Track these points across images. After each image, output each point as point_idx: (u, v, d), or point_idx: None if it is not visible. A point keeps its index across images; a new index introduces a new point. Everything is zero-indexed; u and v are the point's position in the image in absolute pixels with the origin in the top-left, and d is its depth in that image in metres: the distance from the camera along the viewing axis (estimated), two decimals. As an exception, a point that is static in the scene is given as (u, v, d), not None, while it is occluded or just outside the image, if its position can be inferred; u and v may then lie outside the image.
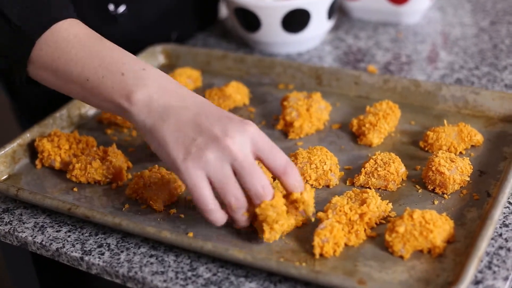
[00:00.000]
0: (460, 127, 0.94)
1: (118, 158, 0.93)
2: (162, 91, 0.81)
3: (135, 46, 1.25)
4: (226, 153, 0.76)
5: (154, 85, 0.81)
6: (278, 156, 0.79)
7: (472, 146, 0.94)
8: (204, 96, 1.08)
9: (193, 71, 1.15)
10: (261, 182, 0.77)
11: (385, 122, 0.96)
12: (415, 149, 0.95)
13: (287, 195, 0.80)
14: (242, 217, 0.79)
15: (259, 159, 0.79)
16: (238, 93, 1.08)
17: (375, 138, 0.96)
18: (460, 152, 0.93)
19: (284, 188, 0.80)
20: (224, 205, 0.79)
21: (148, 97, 0.80)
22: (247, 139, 0.77)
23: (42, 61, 0.86)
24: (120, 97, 0.82)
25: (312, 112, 0.99)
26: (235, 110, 1.08)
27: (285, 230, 0.81)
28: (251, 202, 0.79)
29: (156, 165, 0.91)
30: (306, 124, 0.99)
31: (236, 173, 0.77)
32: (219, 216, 0.78)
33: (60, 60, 0.85)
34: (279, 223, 0.78)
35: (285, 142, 0.99)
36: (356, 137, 0.98)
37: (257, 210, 0.78)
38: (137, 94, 0.81)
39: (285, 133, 1.01)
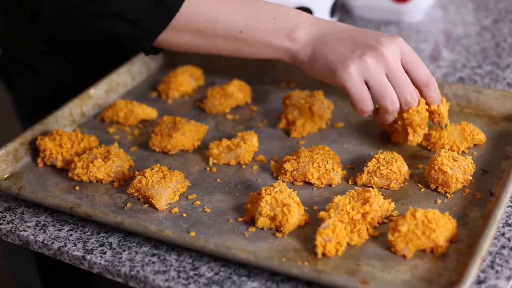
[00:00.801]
0: (462, 126, 0.94)
1: (120, 157, 0.92)
2: (314, 24, 0.91)
3: None
4: (382, 60, 0.85)
5: (306, 21, 0.91)
6: (422, 69, 0.88)
7: (474, 145, 0.94)
8: (206, 95, 1.08)
9: (195, 69, 1.15)
10: (409, 90, 0.86)
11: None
12: (418, 148, 0.95)
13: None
14: (391, 118, 0.89)
15: (405, 69, 0.87)
16: (240, 91, 1.08)
17: (416, 138, 0.94)
18: (463, 151, 0.92)
19: (424, 98, 0.89)
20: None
21: (306, 31, 0.90)
22: (398, 49, 0.86)
23: (186, 25, 0.92)
24: (281, 39, 0.91)
25: (314, 110, 0.99)
26: (237, 109, 1.08)
27: (288, 230, 0.81)
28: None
29: (158, 164, 0.91)
30: (308, 123, 0.99)
31: (389, 79, 0.86)
32: (368, 109, 0.88)
33: (208, 21, 0.92)
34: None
35: (287, 140, 0.99)
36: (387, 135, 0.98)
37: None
38: (297, 32, 0.90)
39: (287, 132, 1.01)
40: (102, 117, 1.06)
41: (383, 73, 0.86)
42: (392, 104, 0.86)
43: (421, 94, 0.89)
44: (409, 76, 0.88)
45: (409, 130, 0.91)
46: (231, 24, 0.92)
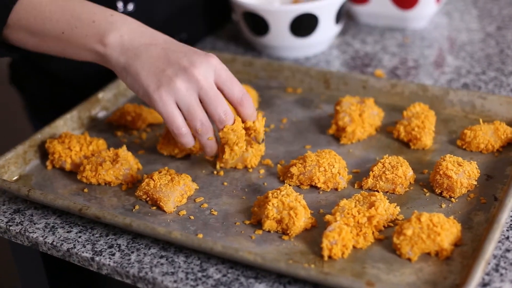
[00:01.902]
0: (496, 125, 0.95)
1: (128, 160, 0.94)
2: (132, 32, 0.90)
3: None
4: (193, 82, 0.86)
5: (124, 28, 0.90)
6: (236, 87, 0.89)
7: (508, 143, 0.95)
8: None
9: None
10: (223, 108, 0.87)
11: (429, 122, 0.97)
12: (423, 153, 0.96)
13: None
14: (208, 142, 0.90)
15: (219, 89, 0.88)
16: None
17: (428, 140, 0.96)
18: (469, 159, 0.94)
19: (240, 116, 0.90)
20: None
21: (120, 38, 0.89)
22: (211, 70, 0.87)
23: (19, 24, 0.93)
24: (94, 43, 0.90)
25: (364, 117, 0.99)
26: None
27: (295, 232, 0.82)
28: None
29: (166, 167, 0.92)
30: (358, 130, 0.99)
31: (201, 101, 0.87)
32: (189, 140, 0.90)
33: (37, 20, 0.92)
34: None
35: (337, 147, 0.99)
36: (404, 143, 0.99)
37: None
38: (109, 37, 0.89)
39: (337, 138, 1.01)
40: (111, 121, 1.07)
41: (195, 94, 0.86)
42: (202, 124, 0.87)
43: (236, 112, 0.90)
44: (224, 95, 0.88)
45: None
46: (55, 25, 0.92)
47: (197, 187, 0.92)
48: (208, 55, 0.88)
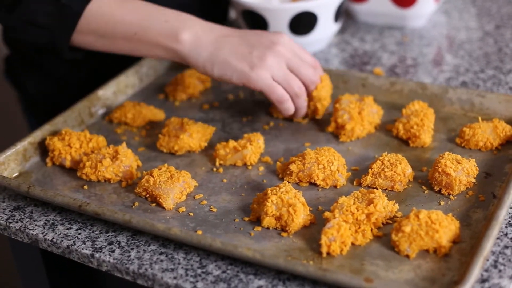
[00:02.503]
0: (494, 123, 0.95)
1: (128, 157, 0.94)
2: (204, 28, 0.99)
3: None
4: (280, 55, 0.97)
5: (196, 25, 0.99)
6: (307, 55, 1.02)
7: (507, 141, 0.96)
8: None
9: None
10: (310, 70, 1.00)
11: (428, 120, 0.97)
12: (422, 151, 0.96)
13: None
14: (304, 103, 1.01)
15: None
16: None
17: (427, 138, 0.96)
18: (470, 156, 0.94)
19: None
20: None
21: (195, 35, 0.98)
22: (288, 43, 0.99)
23: (89, 28, 1.00)
24: (168, 41, 0.98)
25: (364, 115, 1.00)
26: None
27: (294, 229, 0.82)
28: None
29: (166, 164, 0.92)
30: (357, 127, 0.99)
31: (290, 70, 0.99)
32: (290, 105, 0.99)
33: (108, 24, 1.00)
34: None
35: (336, 144, 1.00)
36: (403, 140, 0.99)
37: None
38: (184, 35, 0.98)
39: (336, 136, 1.01)
40: (110, 118, 1.07)
41: (284, 66, 0.98)
42: (299, 87, 0.99)
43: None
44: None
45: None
46: (127, 26, 0.99)
47: (197, 184, 0.92)
48: (277, 32, 1.00)
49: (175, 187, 0.88)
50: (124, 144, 0.95)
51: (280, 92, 0.97)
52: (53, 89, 1.30)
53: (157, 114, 1.08)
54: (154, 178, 0.89)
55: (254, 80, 0.96)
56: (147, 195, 0.90)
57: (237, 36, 0.99)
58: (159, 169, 0.91)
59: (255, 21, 1.24)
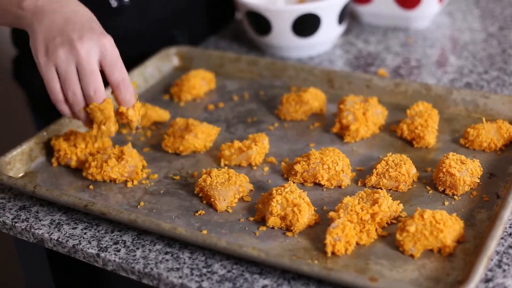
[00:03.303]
0: (498, 124, 0.96)
1: (133, 157, 0.94)
2: None
3: (137, 41, 1.26)
4: (73, 54, 0.88)
5: None
6: (117, 71, 0.90)
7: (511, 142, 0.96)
8: (281, 101, 1.08)
9: (207, 73, 1.17)
10: (94, 86, 0.89)
11: (432, 121, 0.98)
12: (426, 151, 0.96)
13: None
14: (80, 113, 0.91)
15: (102, 69, 0.90)
16: (316, 99, 1.07)
17: (431, 138, 0.97)
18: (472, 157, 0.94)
19: (116, 100, 0.92)
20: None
21: (36, 1, 0.91)
22: (96, 48, 0.89)
23: None
24: (15, 6, 0.93)
25: (368, 116, 1.00)
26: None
27: (299, 229, 0.82)
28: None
29: (226, 167, 0.93)
30: (362, 128, 0.99)
31: (78, 73, 0.89)
32: (64, 108, 0.91)
33: None
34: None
35: (341, 145, 1.00)
36: (407, 141, 0.99)
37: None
38: (26, 1, 0.92)
39: (340, 136, 1.02)
40: (116, 119, 1.07)
41: (73, 66, 0.89)
42: (73, 95, 0.90)
43: (114, 95, 0.92)
44: (105, 76, 0.91)
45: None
46: None
47: (252, 189, 0.92)
48: (104, 34, 0.91)
49: (230, 190, 0.88)
50: (129, 144, 0.96)
51: (54, 89, 0.90)
52: None
53: (162, 115, 1.08)
54: (211, 178, 0.89)
55: (39, 65, 0.90)
56: (202, 195, 0.90)
57: (64, 17, 0.91)
58: (218, 170, 0.91)
59: (259, 22, 1.24)
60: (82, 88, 0.90)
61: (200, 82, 1.14)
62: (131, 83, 0.92)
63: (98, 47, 0.89)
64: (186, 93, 1.13)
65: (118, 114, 0.93)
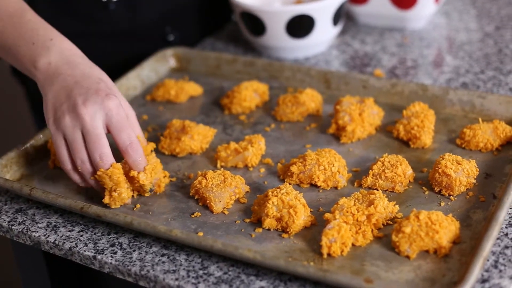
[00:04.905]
0: (495, 124, 0.96)
1: (157, 168, 0.91)
2: (61, 60, 0.91)
3: (127, 39, 1.26)
4: (78, 120, 0.86)
5: (55, 55, 0.92)
6: (124, 135, 0.88)
7: (508, 142, 0.96)
8: (277, 102, 1.07)
9: (260, 84, 1.13)
10: (100, 151, 0.87)
11: (428, 122, 0.98)
12: (422, 152, 0.96)
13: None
14: (90, 181, 0.89)
15: (109, 132, 0.88)
16: (312, 100, 1.07)
17: (427, 139, 0.97)
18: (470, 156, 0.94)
19: (127, 164, 0.89)
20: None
21: (48, 65, 0.91)
22: (101, 111, 0.87)
23: None
24: (29, 65, 0.92)
25: (364, 117, 1.00)
26: (309, 117, 1.08)
27: (294, 231, 0.82)
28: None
29: (222, 168, 0.93)
30: (358, 129, 0.99)
31: (84, 139, 0.87)
32: (75, 177, 0.90)
33: None
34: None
35: (337, 146, 1.00)
36: (404, 141, 0.99)
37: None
38: (39, 62, 0.91)
39: (337, 137, 1.02)
40: (153, 97, 1.13)
41: (78, 132, 0.87)
42: (82, 163, 0.87)
43: (124, 159, 0.89)
44: (113, 140, 0.89)
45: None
46: (5, 40, 0.95)
47: (249, 191, 0.91)
48: (109, 96, 0.88)
49: (225, 192, 0.88)
50: (153, 154, 0.92)
51: (62, 158, 0.89)
52: None
53: (197, 89, 1.15)
54: (207, 180, 0.89)
55: (50, 131, 0.89)
56: (198, 197, 0.90)
57: (74, 81, 0.89)
58: (214, 172, 0.91)
59: (253, 23, 1.24)
60: (88, 154, 0.87)
61: (251, 94, 1.10)
62: (140, 145, 0.89)
63: (102, 110, 0.87)
64: (236, 105, 1.10)
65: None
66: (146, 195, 0.91)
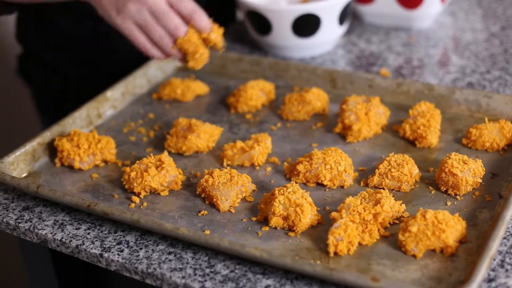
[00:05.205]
0: (501, 124, 0.96)
1: (172, 166, 0.92)
2: None
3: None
4: (142, 3, 0.94)
5: None
6: (184, 4, 0.96)
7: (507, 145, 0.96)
8: (284, 101, 1.08)
9: (266, 83, 1.13)
10: (173, 23, 0.95)
11: (434, 121, 0.98)
12: (428, 151, 0.96)
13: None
14: (172, 51, 0.98)
15: (170, 5, 0.96)
16: (319, 100, 1.07)
17: (433, 138, 0.97)
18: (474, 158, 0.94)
19: (196, 29, 0.98)
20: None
21: None
22: None
23: None
24: None
25: (370, 116, 1.00)
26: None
27: (301, 229, 0.83)
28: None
29: (229, 167, 0.93)
30: (364, 128, 1.00)
31: (154, 18, 0.95)
32: (155, 53, 0.98)
33: None
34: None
35: (343, 145, 1.00)
36: (410, 141, 0.99)
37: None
38: None
39: (343, 136, 1.02)
40: (160, 96, 1.13)
41: (146, 13, 0.94)
42: (160, 38, 0.96)
43: (191, 26, 0.97)
44: (175, 12, 0.96)
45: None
46: None
47: (255, 189, 0.92)
48: None
49: (232, 190, 0.88)
50: (166, 152, 0.94)
51: (140, 41, 0.97)
52: (61, 87, 1.32)
53: (204, 88, 1.15)
54: (213, 179, 0.89)
55: (118, 26, 0.96)
56: (205, 195, 0.90)
57: None
58: (220, 170, 0.91)
59: (259, 22, 1.24)
60: (165, 28, 0.95)
61: (257, 93, 1.10)
62: (203, 11, 0.97)
63: None
64: (242, 104, 1.10)
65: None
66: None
